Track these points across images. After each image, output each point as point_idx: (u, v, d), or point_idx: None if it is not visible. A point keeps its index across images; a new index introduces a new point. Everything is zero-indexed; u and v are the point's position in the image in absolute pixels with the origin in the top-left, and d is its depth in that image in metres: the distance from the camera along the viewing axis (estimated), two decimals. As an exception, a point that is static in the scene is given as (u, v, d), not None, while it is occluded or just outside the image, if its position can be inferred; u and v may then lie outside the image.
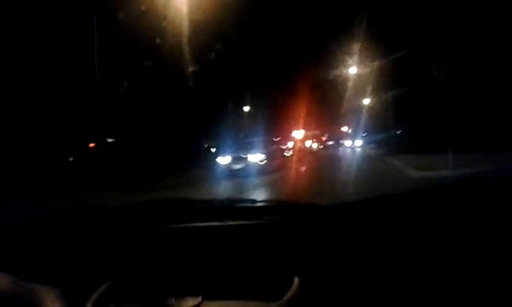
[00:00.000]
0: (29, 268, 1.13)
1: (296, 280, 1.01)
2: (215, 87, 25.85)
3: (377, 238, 1.14)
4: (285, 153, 22.92)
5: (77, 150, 21.74)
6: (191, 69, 21.56)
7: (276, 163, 17.42)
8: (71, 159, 22.49)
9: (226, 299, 1.06)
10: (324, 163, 20.52)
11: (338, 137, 44.33)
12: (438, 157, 12.32)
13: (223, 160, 16.29)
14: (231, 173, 15.26)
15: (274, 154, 18.14)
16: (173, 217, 1.40)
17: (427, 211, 1.25)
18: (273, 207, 1.59)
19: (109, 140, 25.13)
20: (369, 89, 28.00)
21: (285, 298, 0.97)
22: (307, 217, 1.34)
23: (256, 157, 15.78)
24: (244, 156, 15.77)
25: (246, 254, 1.17)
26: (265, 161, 16.04)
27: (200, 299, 1.05)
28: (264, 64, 29.47)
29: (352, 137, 40.51)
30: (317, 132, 43.57)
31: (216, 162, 16.85)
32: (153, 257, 1.22)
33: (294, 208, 1.52)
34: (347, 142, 40.80)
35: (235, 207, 1.59)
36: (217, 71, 24.42)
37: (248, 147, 16.68)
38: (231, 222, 1.30)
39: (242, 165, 15.50)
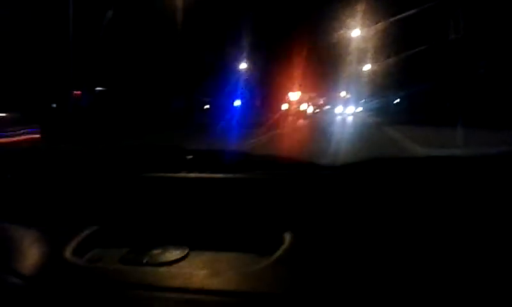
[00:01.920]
0: (6, 209, 1.19)
1: (288, 236, 0.98)
2: (210, 39, 24.53)
3: (374, 200, 1.13)
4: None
5: (60, 97, 20.44)
6: (185, 20, 20.72)
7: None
8: (54, 106, 21.29)
9: (214, 251, 1.02)
10: (315, 131, 19.03)
11: (336, 102, 42.95)
12: (444, 130, 11.06)
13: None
14: None
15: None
16: (163, 165, 1.36)
17: (432, 179, 1.17)
18: (267, 162, 1.50)
19: (99, 89, 24.11)
20: (371, 53, 26.63)
21: (277, 253, 0.93)
22: (303, 173, 1.32)
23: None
24: None
25: (238, 207, 1.15)
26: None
27: (187, 250, 1.00)
28: (263, 20, 27.88)
29: (351, 103, 39.04)
30: (314, 95, 42.37)
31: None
32: (140, 205, 1.19)
33: (290, 164, 1.49)
34: (345, 108, 39.16)
35: (227, 159, 1.49)
36: (213, 23, 23.34)
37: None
38: (222, 175, 1.28)
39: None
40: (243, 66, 31.71)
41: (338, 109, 38.63)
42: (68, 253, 0.96)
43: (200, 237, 1.06)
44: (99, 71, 21.28)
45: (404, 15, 20.52)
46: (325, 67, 34.37)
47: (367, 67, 29.55)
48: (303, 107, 36.12)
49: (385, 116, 24.29)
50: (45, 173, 1.42)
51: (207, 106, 33.44)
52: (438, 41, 18.53)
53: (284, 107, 29.39)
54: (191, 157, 1.44)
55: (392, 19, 21.67)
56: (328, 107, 42.55)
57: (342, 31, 25.25)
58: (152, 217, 1.15)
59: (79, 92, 19.98)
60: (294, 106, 32.37)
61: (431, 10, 18.62)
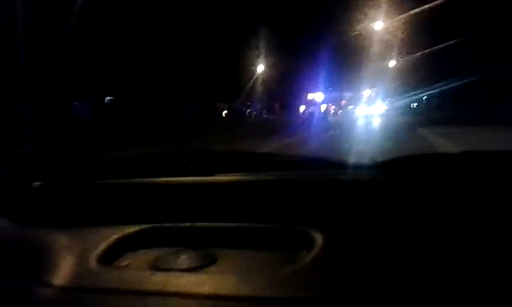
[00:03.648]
0: (32, 215, 1.20)
1: (320, 236, 0.97)
2: (227, 42, 23.36)
3: (412, 200, 1.10)
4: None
5: (57, 110, 19.01)
6: (199, 22, 19.52)
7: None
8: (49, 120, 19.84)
9: (243, 253, 1.01)
10: (338, 132, 17.19)
11: (360, 101, 40.90)
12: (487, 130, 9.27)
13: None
14: None
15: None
16: (188, 168, 1.35)
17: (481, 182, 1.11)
18: (295, 161, 1.52)
19: (109, 98, 22.93)
20: (397, 47, 24.82)
21: (310, 255, 0.91)
22: (331, 172, 1.32)
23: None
24: None
25: (266, 208, 1.14)
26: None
27: (215, 253, 0.99)
28: (279, 15, 26.33)
29: (376, 101, 36.89)
30: (336, 94, 40.65)
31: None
32: (166, 208, 1.19)
33: (319, 164, 1.46)
34: (370, 107, 36.88)
35: (254, 160, 1.52)
36: (229, 25, 22.11)
37: None
38: (248, 176, 1.28)
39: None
40: (260, 68, 30.47)
41: (363, 109, 36.46)
42: (96, 260, 0.96)
43: (228, 240, 1.05)
44: (104, 78, 19.82)
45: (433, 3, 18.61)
46: (347, 64, 32.60)
47: (393, 63, 27.74)
48: (324, 107, 34.52)
49: (414, 115, 22.30)
50: (69, 180, 1.42)
51: (225, 112, 32.60)
52: (472, 32, 16.56)
53: (304, 108, 28.01)
54: (218, 159, 1.47)
55: (419, 9, 19.77)
56: (351, 106, 40.54)
57: (364, 25, 23.60)
58: (178, 220, 1.13)
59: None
60: (315, 107, 30.82)
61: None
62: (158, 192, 1.26)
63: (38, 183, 1.36)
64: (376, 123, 22.60)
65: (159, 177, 1.31)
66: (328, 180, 1.24)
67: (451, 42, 18.57)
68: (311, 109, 31.46)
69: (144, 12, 18.73)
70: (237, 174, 1.29)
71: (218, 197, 1.21)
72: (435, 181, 1.14)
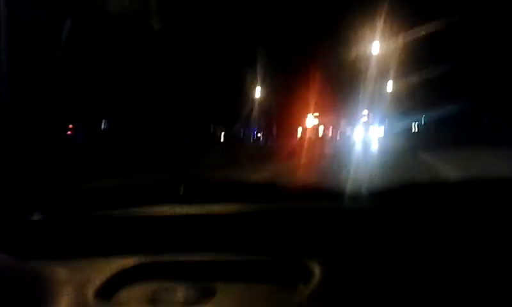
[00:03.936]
0: (33, 248, 1.18)
1: (317, 267, 0.95)
2: (226, 65, 23.14)
3: (407, 229, 1.08)
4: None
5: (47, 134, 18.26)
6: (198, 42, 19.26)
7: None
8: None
9: (242, 286, 0.99)
10: (336, 158, 16.77)
11: (356, 124, 40.57)
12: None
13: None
14: None
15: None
16: (185, 197, 1.34)
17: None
18: (293, 191, 1.47)
19: (105, 124, 22.35)
20: (394, 70, 24.57)
21: (309, 286, 0.91)
22: (329, 202, 1.30)
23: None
24: None
25: (263, 240, 1.12)
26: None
27: (214, 287, 0.97)
28: (277, 39, 26.07)
29: (373, 124, 36.47)
30: (332, 117, 40.42)
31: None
32: (163, 241, 1.17)
33: (315, 194, 1.42)
34: (368, 131, 36.25)
35: (251, 189, 1.50)
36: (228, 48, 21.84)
37: None
38: (246, 206, 1.26)
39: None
40: (258, 90, 30.22)
41: (360, 132, 36.03)
42: (93, 294, 0.94)
43: (226, 273, 1.03)
44: (98, 103, 19.24)
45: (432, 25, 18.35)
46: (345, 87, 32.41)
47: (391, 85, 27.49)
48: (321, 131, 34.19)
49: (414, 138, 21.88)
50: (66, 211, 1.38)
51: (223, 134, 32.32)
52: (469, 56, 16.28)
53: (300, 133, 27.71)
54: (215, 188, 1.44)
55: (416, 31, 19.51)
56: (349, 129, 40.23)
57: (361, 47, 23.43)
58: (175, 252, 1.11)
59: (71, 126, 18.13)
60: (312, 131, 30.48)
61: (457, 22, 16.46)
62: (155, 224, 1.24)
63: (34, 214, 1.32)
64: (374, 147, 22.21)
65: (156, 207, 1.28)
66: (325, 210, 1.21)
67: (451, 64, 18.29)
68: (308, 132, 31.18)
69: (141, 38, 18.39)
70: (234, 204, 1.26)
71: (215, 228, 1.18)
72: (435, 211, 1.11)
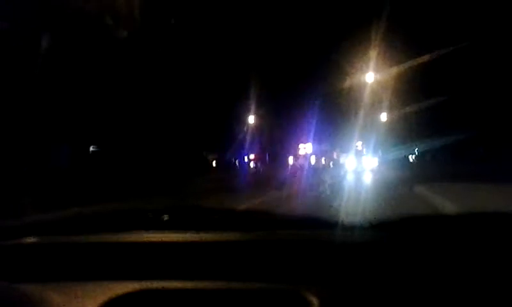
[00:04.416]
0: (26, 272, 1.16)
1: (315, 299, 0.96)
2: (218, 91, 23.00)
3: (401, 260, 1.08)
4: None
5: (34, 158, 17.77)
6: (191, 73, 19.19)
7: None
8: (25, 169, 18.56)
9: None
10: (330, 188, 16.35)
11: (350, 154, 40.34)
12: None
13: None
14: None
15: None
16: (179, 224, 1.36)
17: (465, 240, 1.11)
18: (288, 220, 1.50)
19: (93, 148, 21.95)
20: (388, 100, 24.53)
21: None
22: (324, 233, 1.28)
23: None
24: None
25: (259, 270, 1.11)
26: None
27: None
28: (271, 70, 26.11)
29: (367, 155, 36.21)
30: (326, 147, 40.27)
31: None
32: (156, 269, 1.15)
33: (310, 223, 1.42)
34: (361, 161, 35.84)
35: (245, 219, 1.53)
36: (220, 74, 21.74)
37: None
38: (240, 235, 1.23)
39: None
40: (251, 118, 30.07)
41: (353, 162, 35.66)
42: None
43: (221, 301, 1.02)
44: (82, 127, 18.84)
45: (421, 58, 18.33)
46: (338, 116, 32.37)
47: (385, 116, 27.41)
48: (314, 161, 33.77)
49: (408, 169, 21.52)
50: (58, 235, 1.36)
51: (214, 162, 32.05)
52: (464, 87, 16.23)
53: (294, 160, 27.47)
54: (208, 216, 1.44)
55: (410, 63, 19.48)
56: (342, 158, 39.94)
57: (355, 79, 23.38)
58: (167, 279, 1.09)
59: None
60: (305, 160, 30.22)
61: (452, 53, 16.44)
62: (148, 250, 1.20)
63: (27, 239, 1.30)
64: (368, 178, 21.73)
65: (149, 233, 1.25)
66: (321, 241, 1.20)
67: (444, 95, 18.19)
68: (300, 160, 30.88)
69: (136, 66, 18.24)
70: (228, 232, 1.23)
71: (210, 256, 1.15)
72: (429, 243, 1.10)
